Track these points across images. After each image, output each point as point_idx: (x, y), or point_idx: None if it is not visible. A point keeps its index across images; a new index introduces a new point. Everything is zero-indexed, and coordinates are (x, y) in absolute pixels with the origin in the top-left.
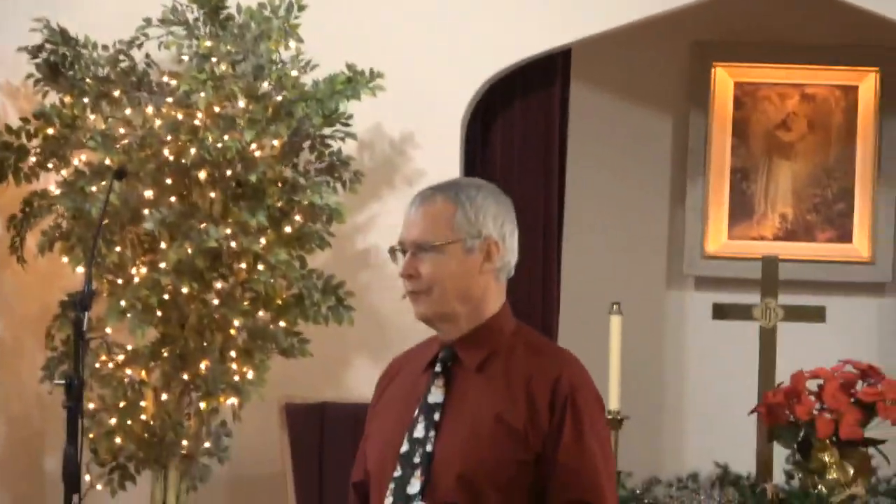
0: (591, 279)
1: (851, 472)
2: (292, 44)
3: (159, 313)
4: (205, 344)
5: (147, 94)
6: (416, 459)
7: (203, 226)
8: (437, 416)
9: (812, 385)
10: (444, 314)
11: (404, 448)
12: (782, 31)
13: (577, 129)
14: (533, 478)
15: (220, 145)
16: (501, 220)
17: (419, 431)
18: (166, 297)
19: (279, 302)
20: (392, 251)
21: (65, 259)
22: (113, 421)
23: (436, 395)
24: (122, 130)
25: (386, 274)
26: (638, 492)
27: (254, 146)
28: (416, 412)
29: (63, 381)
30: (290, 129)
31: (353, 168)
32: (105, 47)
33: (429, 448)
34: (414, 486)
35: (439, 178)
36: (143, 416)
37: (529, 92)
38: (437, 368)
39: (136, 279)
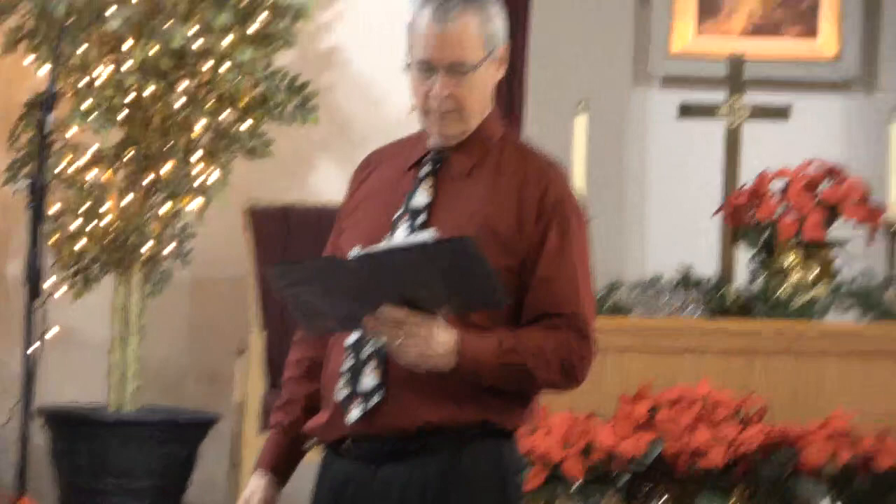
0: (556, 77)
1: (815, 272)
2: None
3: (124, 113)
4: (169, 145)
5: None
6: None
7: (168, 25)
8: (421, 219)
9: (779, 186)
10: (468, 131)
11: None
12: None
13: None
14: (518, 284)
15: None
16: (502, 20)
17: (402, 234)
18: (131, 97)
19: (244, 102)
20: (412, 67)
21: (30, 58)
22: (76, 224)
23: (422, 198)
24: None
25: (351, 73)
26: (600, 295)
27: None
28: (399, 213)
29: (27, 183)
30: None
31: None
32: None
33: None
34: None
35: None
36: (107, 219)
37: None
38: (426, 171)
39: (101, 79)
